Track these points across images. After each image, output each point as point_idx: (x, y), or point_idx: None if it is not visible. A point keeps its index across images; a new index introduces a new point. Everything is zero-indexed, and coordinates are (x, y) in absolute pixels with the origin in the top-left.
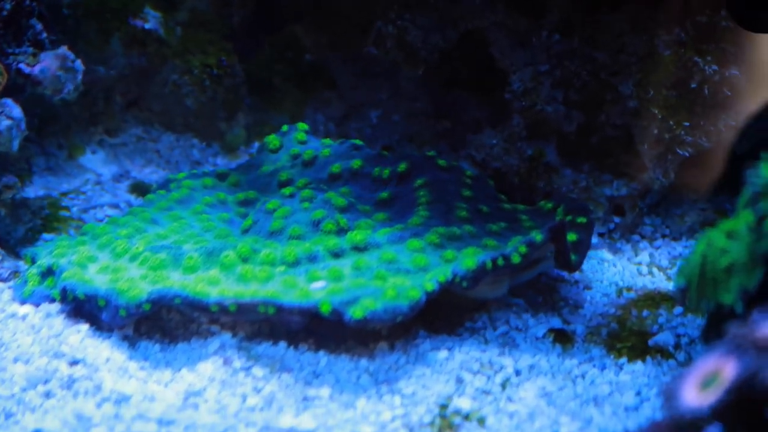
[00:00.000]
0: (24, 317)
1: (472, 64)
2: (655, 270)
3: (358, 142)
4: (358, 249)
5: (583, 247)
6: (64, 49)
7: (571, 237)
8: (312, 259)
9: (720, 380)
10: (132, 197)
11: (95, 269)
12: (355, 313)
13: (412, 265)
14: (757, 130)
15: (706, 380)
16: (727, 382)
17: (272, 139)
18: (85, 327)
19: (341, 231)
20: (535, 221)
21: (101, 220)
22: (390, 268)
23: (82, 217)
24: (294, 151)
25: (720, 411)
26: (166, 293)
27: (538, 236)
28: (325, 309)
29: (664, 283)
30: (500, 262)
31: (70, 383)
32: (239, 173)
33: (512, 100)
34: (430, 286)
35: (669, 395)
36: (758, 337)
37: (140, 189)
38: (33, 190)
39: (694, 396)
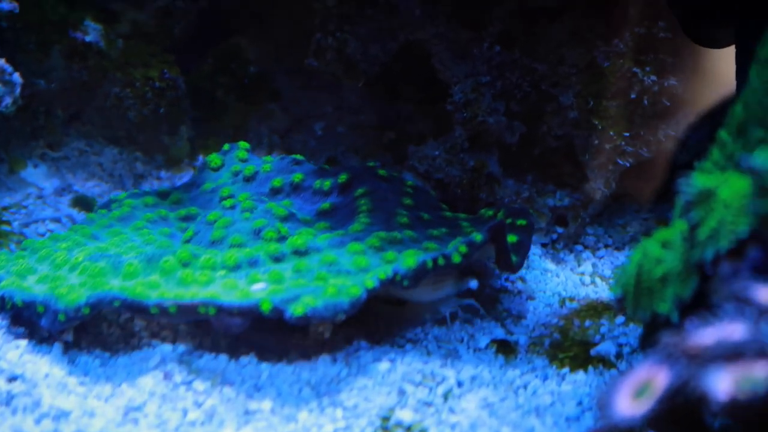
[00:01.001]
0: None
1: (413, 76)
2: (597, 280)
3: (299, 156)
4: (299, 253)
5: (523, 249)
6: (1, 62)
7: (512, 238)
8: (253, 263)
9: (652, 389)
10: (74, 211)
11: (34, 279)
12: (296, 310)
13: (353, 266)
14: (696, 140)
15: (639, 389)
16: (659, 390)
17: (213, 158)
18: (23, 342)
19: (282, 239)
20: (476, 227)
21: (43, 235)
22: (331, 269)
23: (23, 231)
24: (235, 168)
25: (653, 419)
26: (105, 296)
27: (478, 236)
28: (266, 307)
29: (606, 292)
30: (441, 261)
31: (8, 399)
32: (181, 191)
33: (454, 111)
34: (371, 283)
35: (603, 404)
36: (689, 346)
37: (83, 203)
38: None
39: (628, 405)
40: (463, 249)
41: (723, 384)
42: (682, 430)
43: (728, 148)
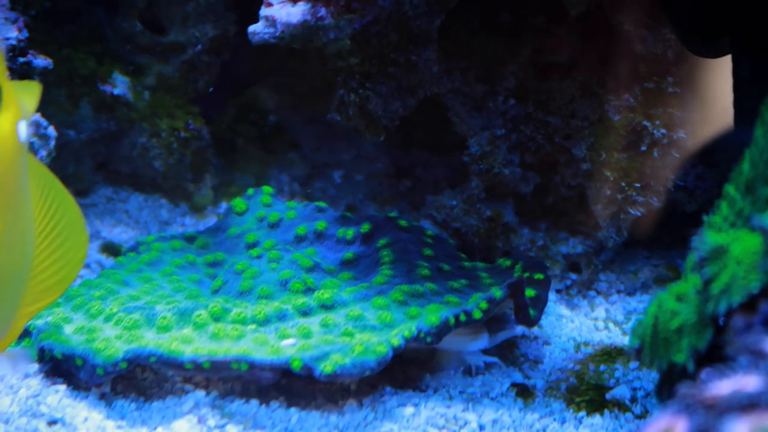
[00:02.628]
0: (1, 378)
1: (431, 129)
2: (611, 325)
3: (321, 204)
4: (326, 307)
5: (540, 303)
6: (37, 116)
7: (529, 293)
8: (281, 317)
9: None
10: (102, 257)
11: (71, 330)
12: (326, 368)
13: (378, 321)
14: (703, 189)
15: None
16: None
17: (238, 203)
18: (62, 387)
19: (308, 290)
20: (494, 278)
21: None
22: (357, 324)
23: None
24: (260, 213)
25: None
26: (141, 352)
27: (497, 293)
28: (296, 365)
29: (619, 337)
30: (462, 317)
31: None
32: (207, 236)
33: (470, 163)
34: (396, 341)
35: None
36: (707, 397)
37: (110, 249)
38: None
39: None
40: (484, 305)
41: None
42: None
43: (737, 205)
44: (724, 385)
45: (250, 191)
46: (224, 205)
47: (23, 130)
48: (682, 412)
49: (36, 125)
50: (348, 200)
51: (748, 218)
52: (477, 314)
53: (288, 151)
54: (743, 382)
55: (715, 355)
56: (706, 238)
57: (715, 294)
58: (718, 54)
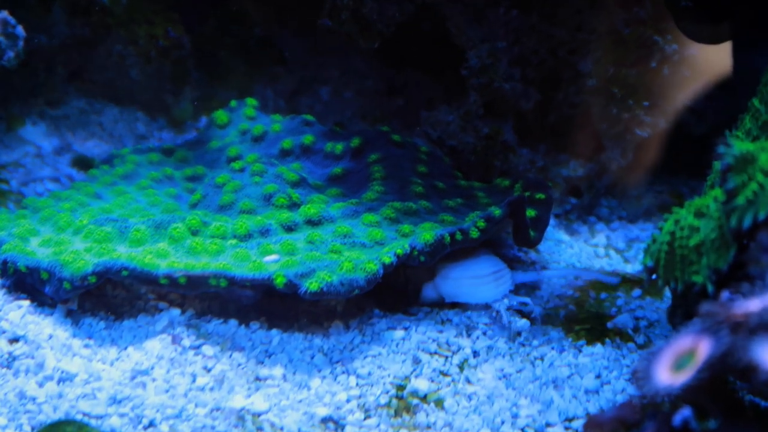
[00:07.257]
0: None
1: (428, 40)
2: (612, 252)
3: (309, 117)
4: (312, 223)
5: (541, 223)
6: (5, 14)
7: (530, 213)
8: (264, 232)
9: (695, 359)
10: (74, 171)
11: (37, 242)
12: (311, 285)
13: (368, 239)
14: (714, 111)
15: (680, 360)
16: (702, 360)
17: (220, 115)
18: (26, 303)
19: (294, 205)
20: (491, 198)
21: (41, 194)
22: (345, 241)
23: (21, 190)
24: (243, 126)
25: (693, 390)
26: (113, 265)
27: (497, 211)
28: (280, 281)
29: (621, 265)
30: (458, 236)
31: (10, 361)
32: (186, 149)
33: (469, 76)
34: (388, 258)
35: (641, 375)
36: (734, 314)
37: (83, 163)
38: None
39: (668, 376)
40: (482, 224)
41: None
42: (716, 402)
43: (762, 118)
44: (752, 304)
45: (233, 103)
46: (205, 119)
47: None
48: (705, 332)
49: (3, 23)
50: (336, 118)
51: None
52: (474, 233)
53: (273, 65)
54: None
55: (734, 276)
56: (733, 145)
57: (740, 205)
58: (706, 40)
